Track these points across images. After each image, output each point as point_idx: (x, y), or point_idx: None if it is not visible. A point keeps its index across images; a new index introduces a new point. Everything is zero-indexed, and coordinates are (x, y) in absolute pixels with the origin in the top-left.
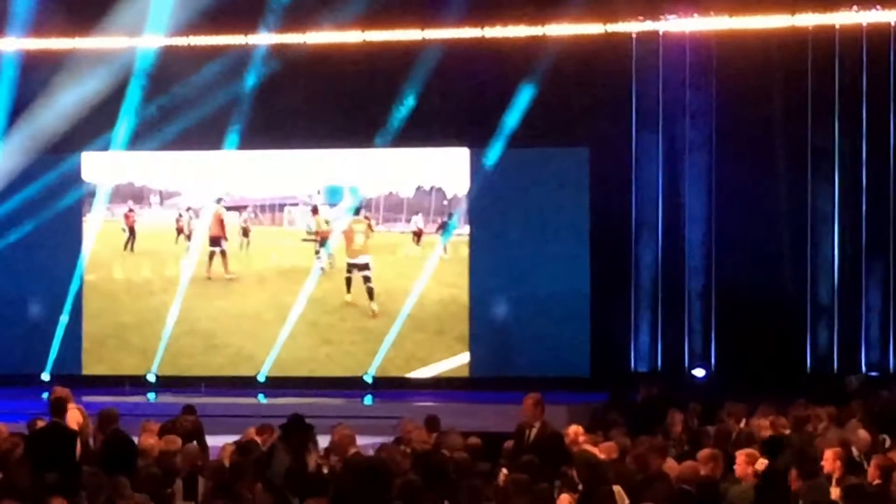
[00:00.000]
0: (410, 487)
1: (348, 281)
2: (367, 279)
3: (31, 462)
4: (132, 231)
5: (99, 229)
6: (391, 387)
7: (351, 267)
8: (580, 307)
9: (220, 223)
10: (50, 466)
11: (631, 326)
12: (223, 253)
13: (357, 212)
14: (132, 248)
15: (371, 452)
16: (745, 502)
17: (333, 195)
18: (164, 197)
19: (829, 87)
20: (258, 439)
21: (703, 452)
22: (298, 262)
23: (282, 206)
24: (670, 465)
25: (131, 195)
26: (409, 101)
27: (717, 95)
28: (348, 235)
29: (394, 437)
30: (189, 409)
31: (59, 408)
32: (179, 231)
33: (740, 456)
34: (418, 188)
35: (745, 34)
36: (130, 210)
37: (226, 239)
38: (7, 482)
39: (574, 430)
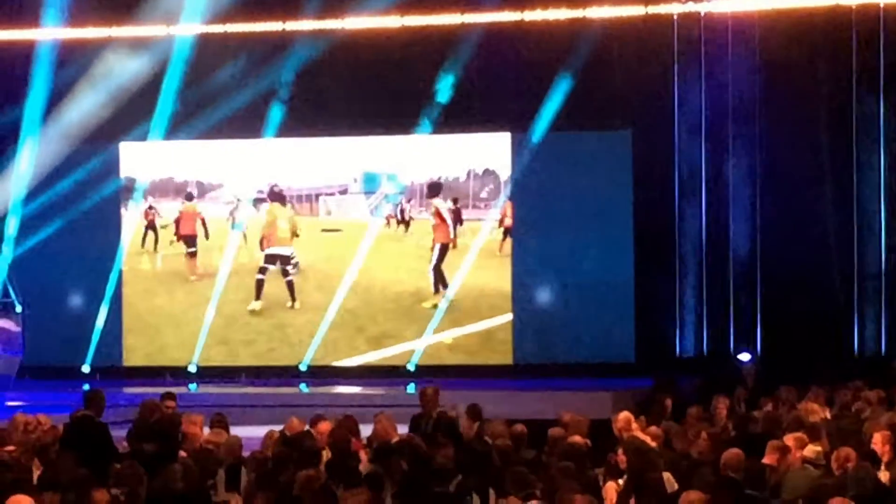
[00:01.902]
0: (446, 471)
1: (259, 284)
2: (285, 272)
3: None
4: (152, 227)
5: (137, 220)
6: (434, 375)
7: (271, 259)
8: (624, 292)
9: (194, 221)
10: (82, 458)
11: (676, 311)
12: (193, 254)
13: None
14: (154, 247)
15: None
16: (800, 488)
17: (371, 182)
18: (204, 190)
19: (874, 66)
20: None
21: (773, 443)
22: (334, 252)
23: (318, 196)
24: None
25: (174, 188)
26: (450, 87)
27: (760, 76)
28: (270, 222)
29: None
30: (168, 395)
31: (92, 400)
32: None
33: (789, 440)
34: (459, 174)
35: (788, 14)
36: (150, 207)
37: (206, 237)
38: (48, 474)
39: (625, 416)
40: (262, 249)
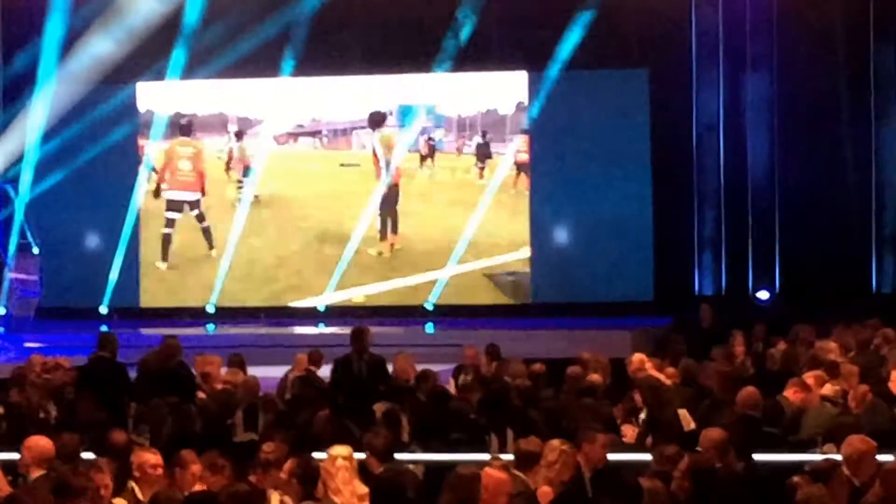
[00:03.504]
0: (462, 413)
1: (166, 239)
2: (200, 217)
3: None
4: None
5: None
6: (453, 314)
7: (175, 206)
8: (643, 231)
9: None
10: (100, 399)
11: (694, 249)
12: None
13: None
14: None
15: None
16: (819, 425)
17: (406, 115)
18: (248, 125)
19: (892, 6)
20: (313, 368)
21: (795, 380)
22: (353, 188)
23: (353, 130)
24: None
25: (218, 124)
26: (467, 25)
27: (777, 15)
28: (170, 160)
29: (456, 365)
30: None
31: (106, 342)
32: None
33: (808, 379)
34: (476, 112)
35: None
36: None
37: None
38: (66, 415)
39: (638, 357)
40: (158, 195)
